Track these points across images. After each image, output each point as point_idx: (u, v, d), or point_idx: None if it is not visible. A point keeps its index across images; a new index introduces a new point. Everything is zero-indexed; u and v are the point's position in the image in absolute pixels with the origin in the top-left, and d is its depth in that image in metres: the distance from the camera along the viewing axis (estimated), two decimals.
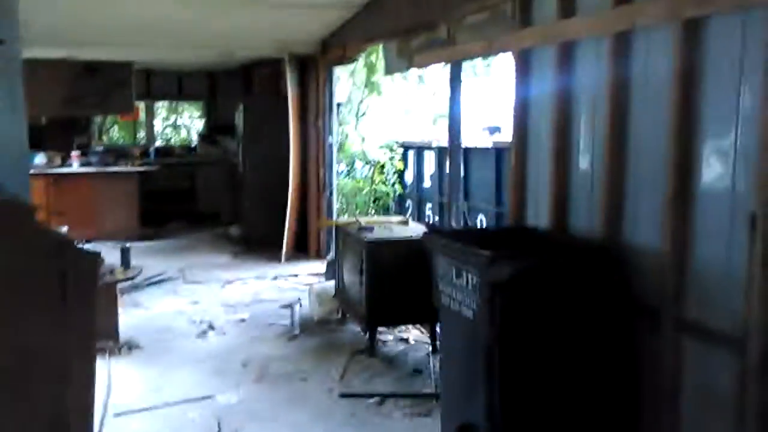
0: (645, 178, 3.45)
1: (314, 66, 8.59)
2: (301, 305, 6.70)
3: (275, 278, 7.97)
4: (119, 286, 5.99)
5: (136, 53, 9.67)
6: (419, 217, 10.78)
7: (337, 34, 7.87)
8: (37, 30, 7.30)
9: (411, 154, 11.10)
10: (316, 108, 8.57)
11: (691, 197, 3.16)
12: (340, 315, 6.12)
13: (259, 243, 9.47)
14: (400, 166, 10.60)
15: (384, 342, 5.64)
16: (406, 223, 5.80)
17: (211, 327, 6.10)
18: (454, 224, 5.68)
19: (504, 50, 4.70)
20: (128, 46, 8.80)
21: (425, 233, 3.99)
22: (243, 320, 6.35)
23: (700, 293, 3.15)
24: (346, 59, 7.78)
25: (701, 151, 3.13)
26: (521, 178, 4.45)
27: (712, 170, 3.07)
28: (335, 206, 8.90)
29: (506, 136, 10.91)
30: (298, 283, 7.74)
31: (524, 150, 4.44)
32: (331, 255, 7.02)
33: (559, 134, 4.03)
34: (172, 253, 9.48)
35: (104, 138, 12.77)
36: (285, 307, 6.71)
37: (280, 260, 8.78)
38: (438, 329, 4.65)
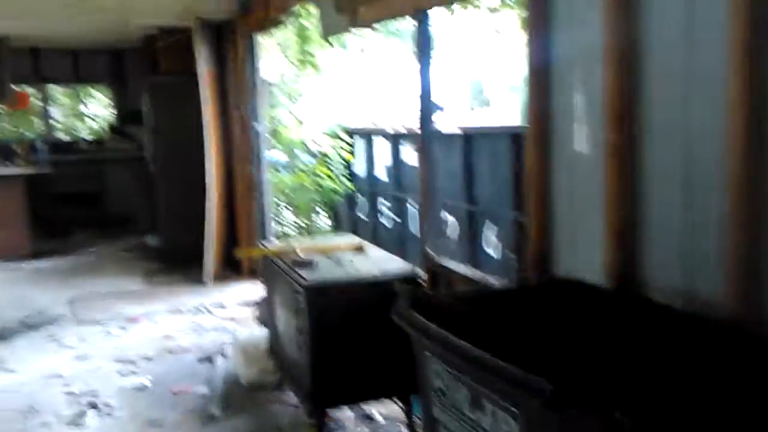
0: None
1: (232, 35, 6.76)
2: (225, 357, 4.97)
3: (196, 311, 6.19)
4: None
5: (7, 22, 7.58)
6: (373, 214, 9.07)
7: None
8: None
9: (360, 141, 9.34)
10: (238, 88, 6.76)
11: None
12: (276, 377, 4.40)
13: (181, 257, 7.66)
14: (348, 156, 8.84)
15: (339, 422, 3.96)
16: (361, 249, 4.09)
17: (93, 404, 4.31)
18: (430, 246, 4.04)
19: None
20: None
21: (399, 308, 2.23)
22: (142, 387, 4.57)
23: None
24: (269, 23, 5.97)
25: None
26: (544, 191, 2.79)
27: None
28: (269, 209, 7.13)
29: (459, 118, 9.38)
30: (226, 318, 5.98)
31: (547, 145, 2.78)
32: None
33: (618, 115, 2.38)
34: (69, 276, 7.57)
35: None
36: (204, 360, 4.97)
37: (203, 282, 6.99)
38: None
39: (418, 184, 7.39)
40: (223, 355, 5.00)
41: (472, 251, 5.79)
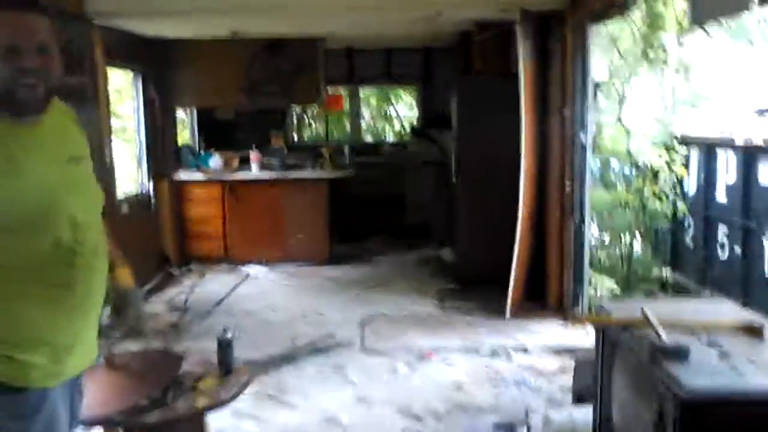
0: None
1: (560, 27, 5.66)
2: (529, 428, 3.92)
3: (493, 354, 5.22)
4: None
5: (324, 22, 7.29)
6: (706, 243, 7.34)
7: None
8: None
9: (697, 153, 7.65)
10: (562, 90, 5.65)
11: None
12: None
13: (478, 279, 6.84)
14: (682, 172, 7.26)
15: None
16: (757, 331, 2.75)
17: None
18: None
19: None
20: (311, 13, 6.42)
21: None
22: None
23: None
24: (613, 9, 4.76)
25: None
26: None
27: None
28: (587, 236, 5.90)
29: None
30: (529, 367, 4.93)
31: None
32: (589, 344, 4.11)
33: None
34: (361, 289, 7.09)
35: (308, 133, 10.82)
36: (502, 429, 3.97)
37: (503, 313, 6.02)
38: None
39: None
40: (528, 427, 3.95)
41: None
